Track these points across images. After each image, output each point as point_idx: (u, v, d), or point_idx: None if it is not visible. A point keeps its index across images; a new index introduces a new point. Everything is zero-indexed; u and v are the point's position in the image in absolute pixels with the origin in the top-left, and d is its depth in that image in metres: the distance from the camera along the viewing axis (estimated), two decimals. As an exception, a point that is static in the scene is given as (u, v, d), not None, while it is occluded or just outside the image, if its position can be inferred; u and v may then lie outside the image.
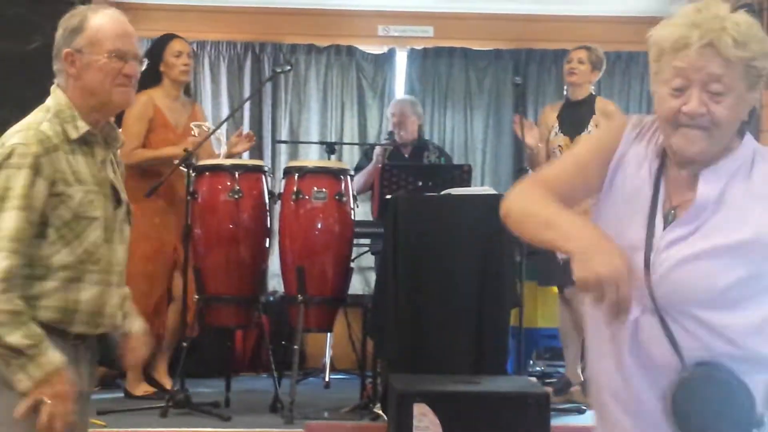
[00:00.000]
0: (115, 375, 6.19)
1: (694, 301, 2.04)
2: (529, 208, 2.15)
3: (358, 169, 6.44)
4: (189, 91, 5.91)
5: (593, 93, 5.78)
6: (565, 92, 5.96)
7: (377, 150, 6.55)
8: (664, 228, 2.09)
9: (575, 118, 5.69)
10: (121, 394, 5.71)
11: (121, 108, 2.85)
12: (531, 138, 5.63)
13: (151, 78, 5.64)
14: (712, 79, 2.00)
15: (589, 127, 5.59)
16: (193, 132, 5.47)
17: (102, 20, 2.69)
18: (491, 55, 7.85)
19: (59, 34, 2.73)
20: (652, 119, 2.17)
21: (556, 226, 2.07)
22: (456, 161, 7.11)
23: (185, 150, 5.18)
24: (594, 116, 5.62)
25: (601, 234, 2.01)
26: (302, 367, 6.14)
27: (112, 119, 2.84)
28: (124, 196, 2.79)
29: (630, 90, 7.72)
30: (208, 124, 5.72)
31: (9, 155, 2.49)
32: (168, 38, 5.73)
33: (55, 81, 2.70)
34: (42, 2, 4.52)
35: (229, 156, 5.54)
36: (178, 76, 5.66)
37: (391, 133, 6.65)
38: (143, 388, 5.54)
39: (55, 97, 2.66)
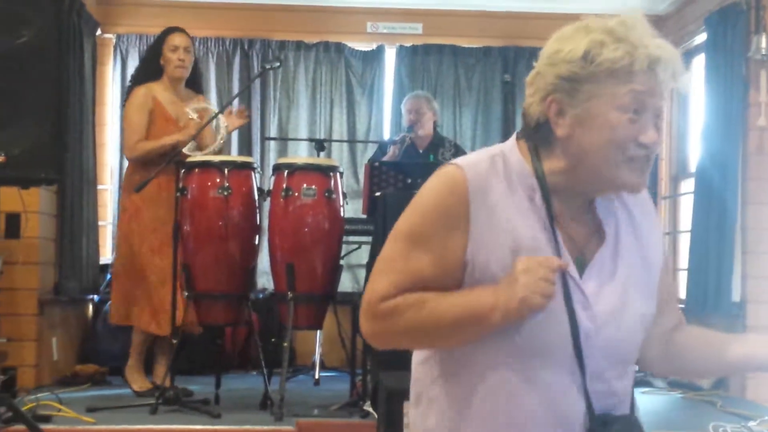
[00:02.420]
0: (104, 372, 6.20)
1: (616, 359, 1.93)
2: (416, 319, 1.87)
3: (373, 161, 6.41)
4: (199, 86, 5.89)
5: None
6: None
7: (391, 149, 6.52)
8: (580, 278, 1.91)
9: None
10: (111, 392, 5.71)
11: None
12: None
13: (152, 71, 5.64)
14: (661, 106, 1.87)
15: None
16: (190, 116, 5.46)
17: None
18: (480, 52, 7.85)
19: None
20: (484, 156, 1.95)
21: (458, 314, 1.84)
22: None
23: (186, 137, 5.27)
24: None
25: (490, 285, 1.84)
26: (292, 364, 6.16)
27: None
28: None
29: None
30: (206, 105, 5.69)
31: None
32: (168, 32, 5.72)
33: None
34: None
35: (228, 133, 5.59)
36: (172, 71, 5.65)
37: (410, 128, 6.62)
38: (142, 383, 5.53)
39: None
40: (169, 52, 5.63)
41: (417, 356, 2.04)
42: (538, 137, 1.93)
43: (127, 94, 5.74)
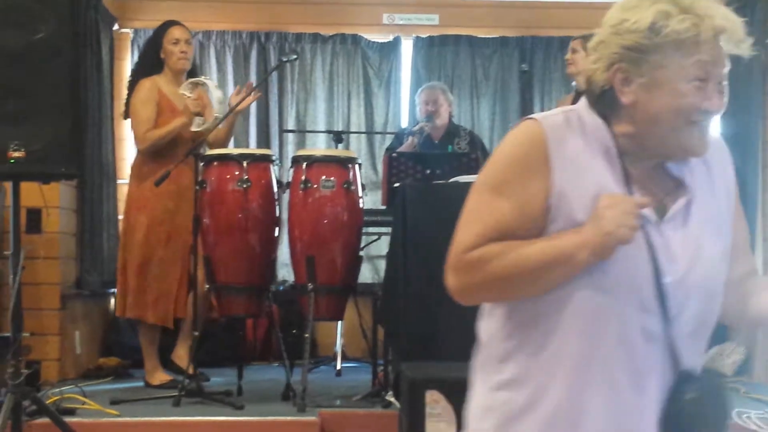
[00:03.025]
0: (127, 365, 6.23)
1: (698, 306, 1.93)
2: (503, 266, 1.88)
3: (390, 149, 6.42)
4: (197, 77, 5.88)
5: None
6: (573, 83, 5.94)
7: (408, 140, 6.52)
8: (660, 224, 1.92)
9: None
10: (134, 384, 5.75)
11: None
12: None
13: (154, 64, 5.68)
14: (725, 73, 1.90)
15: None
16: (186, 95, 5.49)
17: None
18: (497, 42, 7.83)
19: None
20: (558, 112, 1.98)
21: (545, 255, 1.85)
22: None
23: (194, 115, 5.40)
24: None
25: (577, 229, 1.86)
26: (313, 355, 6.17)
27: None
28: None
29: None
30: (204, 79, 5.70)
31: None
32: (167, 25, 5.76)
33: None
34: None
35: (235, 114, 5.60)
36: (175, 63, 5.69)
37: (429, 118, 6.62)
38: (160, 377, 5.55)
39: None
40: (170, 45, 5.67)
41: (488, 319, 2.04)
42: (604, 103, 1.95)
43: (130, 87, 5.75)
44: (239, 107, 5.52)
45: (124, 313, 5.64)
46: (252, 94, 5.57)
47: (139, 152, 5.68)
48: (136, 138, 5.69)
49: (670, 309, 1.88)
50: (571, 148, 1.91)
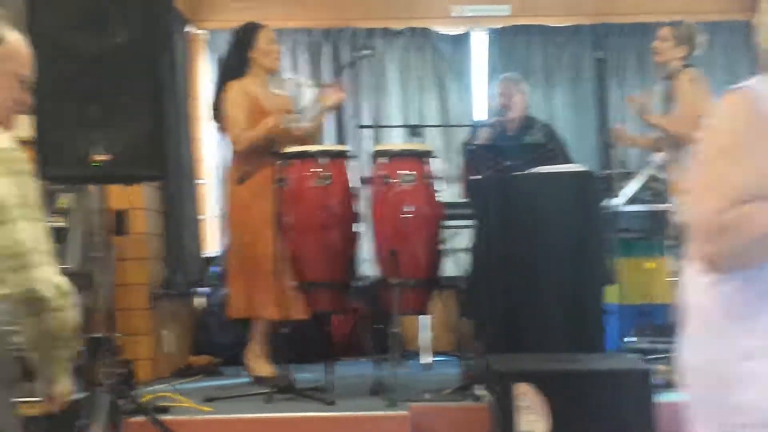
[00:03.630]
0: (217, 363, 6.31)
1: None
2: None
3: (466, 143, 6.42)
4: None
5: (681, 67, 5.65)
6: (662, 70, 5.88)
7: (482, 132, 6.53)
8: None
9: (665, 94, 5.64)
10: (224, 381, 5.80)
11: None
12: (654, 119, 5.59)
13: (239, 66, 5.67)
14: None
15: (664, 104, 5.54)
16: (276, 93, 5.54)
17: (19, 39, 2.62)
18: (570, 31, 7.79)
19: None
20: (752, 82, 1.99)
21: None
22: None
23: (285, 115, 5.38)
24: (668, 90, 5.55)
25: None
26: (400, 350, 6.17)
27: None
28: None
29: (714, 61, 7.46)
30: (297, 78, 5.73)
31: (19, 160, 2.46)
32: (258, 26, 5.73)
33: None
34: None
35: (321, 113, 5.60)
36: (271, 63, 5.69)
37: (501, 111, 6.62)
38: (266, 370, 5.51)
39: None
40: (266, 45, 5.67)
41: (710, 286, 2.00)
42: None
43: (218, 89, 5.76)
44: (331, 105, 5.57)
45: (239, 314, 5.60)
46: (341, 92, 5.62)
47: (236, 153, 5.68)
48: (232, 140, 5.66)
49: None
50: None
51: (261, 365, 5.57)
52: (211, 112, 5.79)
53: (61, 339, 2.47)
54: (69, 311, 2.45)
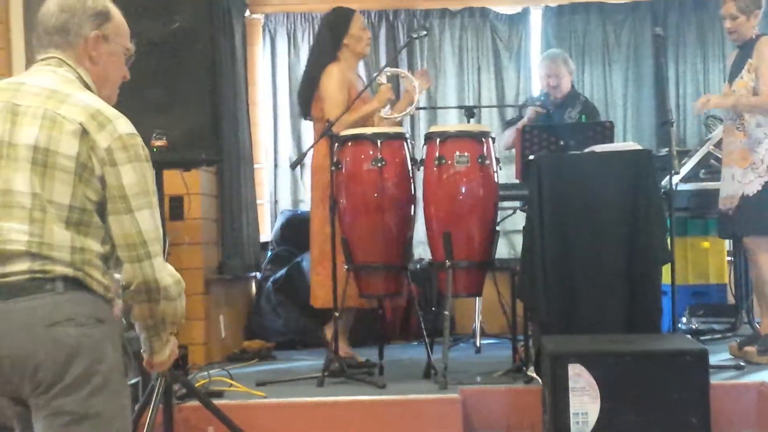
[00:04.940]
0: (270, 347, 6.34)
1: None
2: None
3: (510, 123, 6.39)
4: None
5: (756, 35, 5.45)
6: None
7: (529, 111, 6.49)
8: None
9: (736, 62, 5.53)
10: (277, 366, 5.84)
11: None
12: None
13: (332, 51, 5.68)
14: None
15: (743, 73, 5.40)
16: (381, 81, 5.56)
17: (120, 15, 2.64)
18: (628, 7, 7.70)
19: (76, 10, 2.56)
20: None
21: None
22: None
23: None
24: (749, 60, 5.41)
25: None
26: (452, 332, 6.16)
27: None
28: None
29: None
30: (390, 70, 5.79)
31: (141, 147, 2.48)
32: (350, 11, 5.79)
33: (54, 54, 2.56)
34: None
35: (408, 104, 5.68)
36: (363, 48, 5.75)
37: (546, 95, 6.58)
38: (345, 350, 5.40)
39: (86, 76, 2.57)
40: (359, 30, 5.72)
41: None
42: None
43: (313, 72, 5.71)
44: (421, 92, 5.68)
45: (324, 304, 5.49)
46: (429, 78, 5.79)
47: (331, 138, 5.31)
48: (331, 121, 5.58)
49: None
50: None
51: (342, 345, 5.48)
52: (300, 98, 5.79)
53: (171, 323, 2.57)
54: (182, 300, 2.56)
